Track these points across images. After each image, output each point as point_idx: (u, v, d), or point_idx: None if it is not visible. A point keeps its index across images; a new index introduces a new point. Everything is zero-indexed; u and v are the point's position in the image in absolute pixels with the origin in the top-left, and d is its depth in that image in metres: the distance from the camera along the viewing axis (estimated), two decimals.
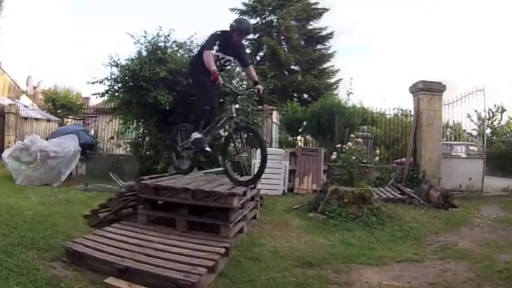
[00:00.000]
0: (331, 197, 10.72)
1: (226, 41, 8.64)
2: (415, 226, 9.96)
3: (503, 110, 30.74)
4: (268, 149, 12.21)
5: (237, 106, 15.87)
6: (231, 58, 9.03)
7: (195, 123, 8.91)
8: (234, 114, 8.69)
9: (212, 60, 8.32)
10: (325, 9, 36.78)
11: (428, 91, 16.30)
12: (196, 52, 9.57)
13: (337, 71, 36.49)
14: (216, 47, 8.46)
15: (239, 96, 9.95)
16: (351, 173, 11.89)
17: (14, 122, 23.53)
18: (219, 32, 8.65)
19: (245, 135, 8.78)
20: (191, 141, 8.74)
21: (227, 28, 8.72)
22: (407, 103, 19.73)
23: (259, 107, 15.90)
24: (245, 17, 34.14)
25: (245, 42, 34.29)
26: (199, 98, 9.08)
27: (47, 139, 17.15)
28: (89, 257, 6.06)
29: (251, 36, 34.25)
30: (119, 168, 16.93)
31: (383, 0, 70.59)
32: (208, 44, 8.58)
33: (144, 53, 14.69)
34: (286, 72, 35.59)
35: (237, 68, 14.53)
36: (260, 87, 8.90)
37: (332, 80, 36.08)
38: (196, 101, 9.56)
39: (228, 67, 9.70)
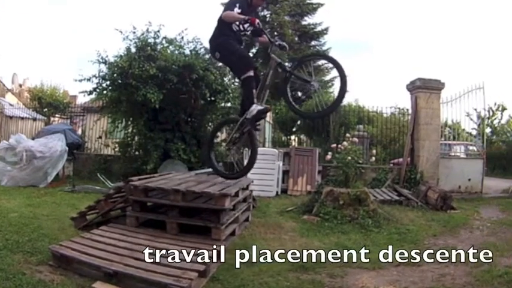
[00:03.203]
0: (326, 199, 10.73)
1: (247, 5, 8.20)
2: (412, 229, 9.97)
3: (503, 109, 30.76)
4: (261, 148, 12.22)
5: (229, 104, 15.94)
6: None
7: (248, 99, 8.09)
8: (279, 60, 8.07)
9: (237, 14, 7.91)
10: (320, 4, 36.63)
11: (426, 89, 16.33)
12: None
13: (332, 68, 36.26)
14: (237, 9, 7.96)
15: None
16: (347, 173, 11.91)
17: None
18: None
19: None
20: (253, 115, 7.88)
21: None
22: (404, 101, 19.73)
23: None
24: None
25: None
26: (238, 65, 8.24)
27: (33, 139, 17.11)
28: (76, 260, 6.07)
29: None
30: (107, 168, 16.98)
31: None
32: (227, 7, 8.12)
33: (133, 50, 14.72)
34: (279, 69, 35.40)
35: None
36: (282, 43, 8.53)
37: (327, 78, 35.90)
38: (237, 74, 8.64)
39: (245, 35, 8.61)
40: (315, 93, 7.95)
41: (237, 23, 8.11)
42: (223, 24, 8.22)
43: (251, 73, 7.87)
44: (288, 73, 7.90)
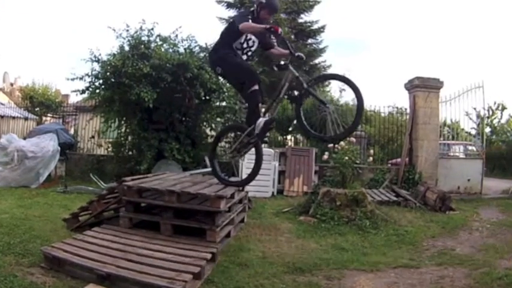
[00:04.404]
0: (322, 200, 10.74)
1: (253, 19, 7.91)
2: (411, 230, 9.99)
3: (503, 108, 30.83)
4: None
5: (224, 104, 15.95)
6: (256, 40, 8.24)
7: (254, 114, 7.92)
8: (297, 74, 7.81)
9: (256, 24, 7.66)
10: (317, 2, 36.39)
11: (424, 88, 16.37)
12: (215, 42, 8.64)
13: (329, 66, 36.04)
14: (250, 21, 7.75)
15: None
16: (344, 174, 11.91)
17: None
18: (246, 10, 8.11)
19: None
20: (261, 128, 7.73)
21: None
22: (402, 100, 19.70)
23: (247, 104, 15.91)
24: (232, 10, 34.20)
25: None
26: (244, 80, 7.92)
27: (24, 138, 17.08)
28: (68, 262, 6.06)
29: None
30: (100, 169, 16.95)
31: None
32: (240, 19, 7.86)
33: (127, 48, 14.73)
34: (275, 68, 35.14)
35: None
36: (300, 54, 8.22)
37: None
38: (241, 90, 8.36)
39: (252, 50, 8.44)
40: (329, 116, 7.82)
41: (241, 40, 8.00)
42: (224, 41, 8.13)
43: (256, 87, 7.73)
44: (304, 90, 7.64)
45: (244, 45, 8.10)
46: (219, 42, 8.25)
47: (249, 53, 8.34)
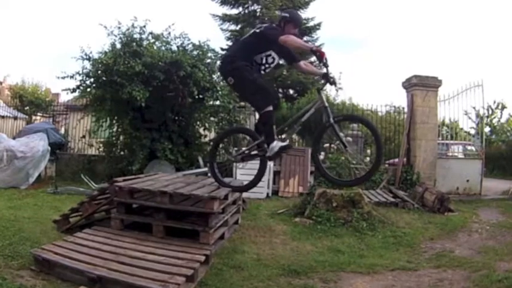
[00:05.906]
0: (318, 201, 10.73)
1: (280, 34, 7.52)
2: (408, 232, 10.02)
3: (503, 107, 30.85)
4: None
5: (217, 102, 15.91)
6: (276, 57, 7.88)
7: (268, 137, 7.48)
8: (327, 104, 7.39)
9: (304, 42, 7.55)
10: None
11: (422, 86, 16.38)
12: (230, 46, 8.28)
13: (324, 65, 35.83)
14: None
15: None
16: (340, 174, 11.90)
17: None
18: (272, 24, 7.87)
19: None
20: (275, 152, 7.37)
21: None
22: (400, 99, 19.69)
23: (242, 103, 15.86)
24: (226, 7, 34.30)
25: (227, 34, 34.28)
26: (258, 99, 7.57)
27: (13, 138, 17.07)
28: (59, 265, 6.04)
29: (233, 27, 34.21)
30: (91, 169, 16.92)
31: None
32: (277, 31, 7.47)
33: (118, 46, 14.65)
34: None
35: (218, 62, 14.31)
36: (333, 75, 7.95)
37: None
38: (255, 106, 8.22)
39: (271, 67, 8.06)
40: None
41: (262, 56, 7.71)
42: (244, 50, 7.77)
43: (271, 107, 7.39)
44: (329, 124, 7.23)
45: (263, 61, 7.80)
46: (240, 51, 7.85)
47: (267, 70, 8.00)
